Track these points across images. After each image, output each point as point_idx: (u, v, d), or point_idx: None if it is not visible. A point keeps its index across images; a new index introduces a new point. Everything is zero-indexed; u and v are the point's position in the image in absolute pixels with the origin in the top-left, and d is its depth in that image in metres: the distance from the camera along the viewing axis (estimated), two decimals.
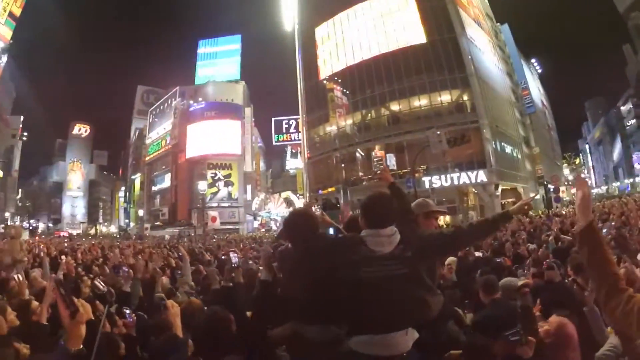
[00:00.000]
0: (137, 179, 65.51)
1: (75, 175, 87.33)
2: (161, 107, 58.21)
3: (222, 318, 2.02)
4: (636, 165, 56.71)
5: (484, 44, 38.05)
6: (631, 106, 57.20)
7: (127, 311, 2.60)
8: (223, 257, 6.98)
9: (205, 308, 2.65)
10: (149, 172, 59.70)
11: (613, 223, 7.30)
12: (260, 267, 2.46)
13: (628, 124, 59.57)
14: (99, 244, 15.97)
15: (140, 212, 61.64)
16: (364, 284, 1.66)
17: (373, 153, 33.40)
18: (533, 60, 55.68)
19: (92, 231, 70.72)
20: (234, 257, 2.90)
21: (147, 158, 60.00)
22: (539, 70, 57.62)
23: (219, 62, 54.65)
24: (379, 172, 2.58)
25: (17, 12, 43.33)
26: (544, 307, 2.41)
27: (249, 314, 2.12)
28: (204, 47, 56.24)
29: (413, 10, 34.64)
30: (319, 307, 1.76)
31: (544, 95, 59.72)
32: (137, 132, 69.15)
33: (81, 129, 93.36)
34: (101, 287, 3.10)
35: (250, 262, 5.60)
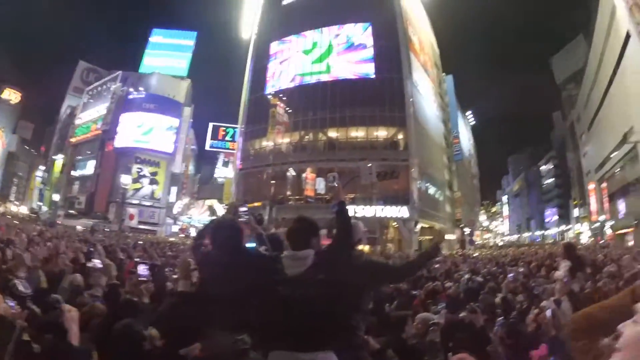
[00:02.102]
0: (59, 160, 59.53)
1: None
2: (99, 89, 54.01)
3: (136, 335, 1.91)
4: (548, 219, 63.50)
5: (427, 90, 40.59)
6: (551, 166, 64.36)
7: (12, 303, 2.12)
8: (137, 260, 6.38)
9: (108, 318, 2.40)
10: (73, 155, 54.80)
11: (521, 270, 7.60)
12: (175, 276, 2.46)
13: (545, 182, 66.86)
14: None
15: (56, 197, 55.96)
16: (276, 302, 1.74)
17: (304, 175, 33.41)
18: (468, 113, 60.84)
19: (1, 208, 62.43)
20: (143, 270, 2.74)
21: (73, 139, 55.04)
22: (472, 122, 63.15)
23: (169, 54, 52.27)
24: (333, 185, 2.48)
25: None
26: (457, 346, 2.45)
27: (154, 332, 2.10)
28: (157, 37, 53.58)
29: (369, 46, 36.05)
30: (234, 315, 1.86)
31: (472, 145, 65.22)
32: (68, 110, 63.26)
33: (11, 94, 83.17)
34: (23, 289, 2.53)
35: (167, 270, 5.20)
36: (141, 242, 14.81)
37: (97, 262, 3.80)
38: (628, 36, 26.49)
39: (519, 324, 3.37)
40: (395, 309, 3.55)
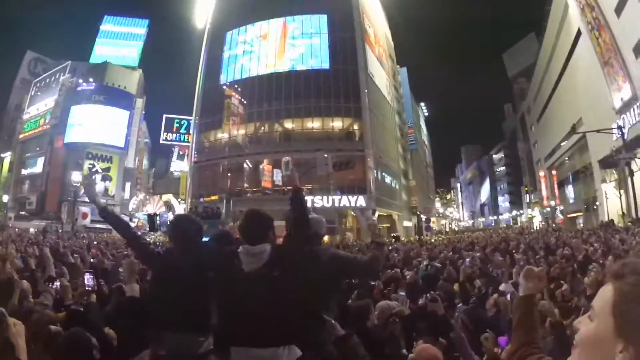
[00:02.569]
0: (7, 158, 55.79)
1: None
2: (47, 80, 50.92)
3: (83, 342, 1.82)
4: (500, 205, 67.15)
5: (382, 81, 41.49)
6: (503, 155, 67.92)
7: None
8: (92, 261, 6.22)
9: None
10: (21, 152, 51.55)
11: (478, 254, 7.85)
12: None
13: (497, 170, 70.54)
14: None
15: (5, 198, 52.68)
16: (233, 300, 1.76)
17: (261, 166, 33.46)
18: (422, 104, 62.97)
19: None
20: (89, 279, 2.60)
21: (21, 135, 51.72)
22: (426, 114, 65.45)
23: (120, 43, 49.86)
24: (288, 173, 2.51)
25: None
26: (419, 335, 2.47)
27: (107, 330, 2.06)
28: (108, 25, 50.91)
29: (324, 37, 36.26)
30: (190, 316, 1.82)
31: (426, 136, 67.61)
32: (14, 104, 59.25)
33: None
34: None
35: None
36: (96, 243, 14.32)
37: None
38: (579, 34, 28.19)
39: (479, 309, 3.41)
40: (355, 299, 3.48)
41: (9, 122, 60.36)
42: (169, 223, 2.38)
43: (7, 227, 33.82)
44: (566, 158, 37.06)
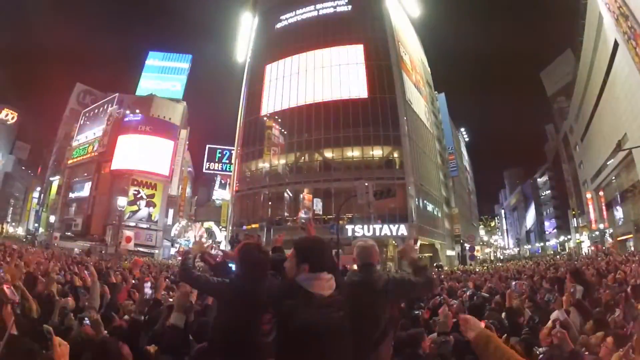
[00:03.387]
0: (56, 181, 59.43)
1: None
2: (95, 111, 54.28)
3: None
4: (547, 231, 63.43)
5: (420, 108, 41.09)
6: (547, 178, 64.74)
7: None
8: (134, 282, 6.11)
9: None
10: (70, 177, 54.48)
11: (525, 282, 7.37)
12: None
13: (543, 194, 67.07)
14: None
15: (52, 219, 55.65)
16: (300, 327, 1.63)
17: (301, 195, 33.45)
18: (462, 129, 61.58)
19: None
20: (148, 288, 2.69)
21: (70, 161, 54.94)
22: (467, 139, 63.84)
23: (164, 77, 52.84)
24: (304, 222, 2.40)
25: None
26: None
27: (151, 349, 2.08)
28: (153, 60, 54.27)
29: (361, 66, 36.64)
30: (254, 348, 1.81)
31: (467, 161, 65.72)
32: (64, 132, 63.48)
33: (8, 115, 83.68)
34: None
35: (164, 292, 4.94)
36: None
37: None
38: (616, 45, 26.92)
39: (532, 339, 3.23)
40: (399, 329, 3.51)
41: (59, 148, 64.66)
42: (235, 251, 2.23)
43: (52, 246, 35.21)
44: (613, 177, 34.74)
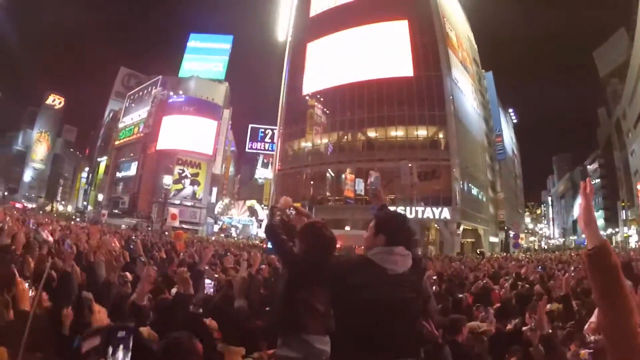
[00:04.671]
0: (103, 162, 62.85)
1: (41, 146, 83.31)
2: (140, 93, 56.32)
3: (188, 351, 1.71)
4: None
5: (467, 87, 39.30)
6: (597, 166, 60.72)
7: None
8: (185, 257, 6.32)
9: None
10: (116, 157, 57.38)
11: (573, 274, 7.14)
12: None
13: (592, 182, 62.76)
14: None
15: (100, 197, 59.09)
16: (369, 303, 1.56)
17: (343, 175, 33.32)
18: (510, 110, 58.33)
19: (48, 208, 66.96)
20: (210, 285, 2.65)
21: (116, 142, 57.72)
22: (515, 121, 60.46)
23: (206, 58, 53.67)
24: (374, 189, 2.52)
25: None
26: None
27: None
28: (194, 42, 55.20)
29: (406, 44, 35.36)
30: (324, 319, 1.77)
31: (515, 144, 62.47)
32: (111, 114, 66.63)
33: (55, 100, 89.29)
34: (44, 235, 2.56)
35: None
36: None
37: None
38: None
39: (578, 334, 2.99)
40: (439, 313, 3.34)
41: (105, 130, 68.16)
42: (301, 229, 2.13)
43: (101, 222, 37.32)
44: None
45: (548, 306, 3.98)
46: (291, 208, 2.64)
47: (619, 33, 54.21)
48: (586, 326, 2.95)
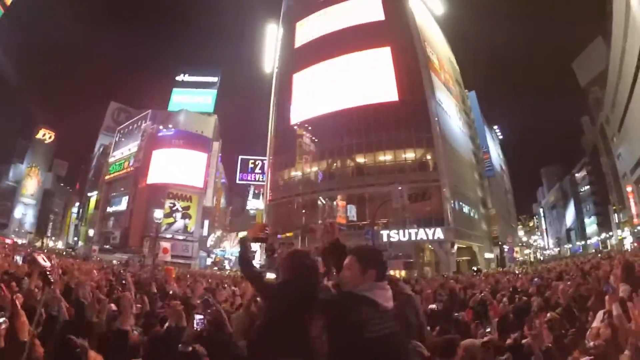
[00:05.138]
0: (94, 197, 62.34)
1: (31, 181, 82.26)
2: (130, 127, 56.62)
3: None
4: (588, 229, 60.30)
5: (451, 108, 40.21)
6: (585, 173, 61.62)
7: None
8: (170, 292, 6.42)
9: None
10: (107, 191, 56.97)
11: (569, 282, 7.05)
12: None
13: (582, 190, 63.82)
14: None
15: (91, 232, 58.29)
16: (368, 341, 1.54)
17: (335, 202, 33.35)
18: (495, 127, 59.79)
19: (39, 243, 65.50)
20: (199, 322, 2.59)
21: (107, 177, 57.48)
22: (500, 137, 61.80)
23: (195, 92, 54.56)
24: (329, 222, 2.39)
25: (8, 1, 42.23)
26: None
27: None
28: (183, 75, 56.21)
29: (389, 70, 36.29)
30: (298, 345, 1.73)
31: (503, 160, 63.56)
32: (101, 148, 66.61)
33: (45, 134, 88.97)
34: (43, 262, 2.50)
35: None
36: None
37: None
38: None
39: (580, 341, 3.03)
40: (438, 334, 3.28)
41: (96, 164, 67.83)
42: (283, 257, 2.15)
43: (91, 258, 36.52)
44: None
45: (548, 314, 4.02)
46: (265, 229, 2.66)
47: (596, 42, 56.39)
48: (588, 332, 2.96)
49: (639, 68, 30.37)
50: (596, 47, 56.27)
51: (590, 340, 2.69)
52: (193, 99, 53.41)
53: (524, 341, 3.12)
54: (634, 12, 27.76)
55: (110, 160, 58.10)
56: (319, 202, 34.29)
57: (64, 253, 51.07)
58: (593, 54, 57.96)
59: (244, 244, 2.29)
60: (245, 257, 2.27)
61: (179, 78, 55.93)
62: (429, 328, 3.61)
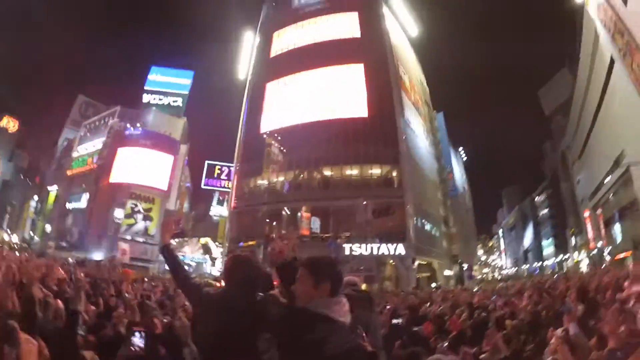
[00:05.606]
0: (54, 191, 59.39)
1: None
2: (97, 123, 54.66)
3: None
4: (545, 251, 63.16)
5: (419, 128, 41.44)
6: (545, 197, 64.61)
7: None
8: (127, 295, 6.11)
9: None
10: (68, 187, 54.57)
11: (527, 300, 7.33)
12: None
13: (541, 213, 66.92)
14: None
15: (48, 228, 55.55)
16: (329, 359, 1.44)
17: (299, 214, 33.41)
18: (460, 149, 62.05)
19: None
20: (139, 340, 2.44)
21: (69, 172, 55.13)
22: (464, 158, 64.24)
23: (166, 92, 53.42)
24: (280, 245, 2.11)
25: None
26: None
27: None
28: (155, 75, 54.94)
29: (361, 86, 37.03)
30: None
31: (466, 180, 65.90)
32: (65, 143, 63.73)
33: (9, 123, 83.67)
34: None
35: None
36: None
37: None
38: (612, 61, 26.92)
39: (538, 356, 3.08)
40: (398, 348, 3.29)
41: (58, 158, 64.76)
42: (226, 264, 2.03)
43: (46, 254, 34.78)
44: (611, 195, 34.67)
45: (508, 326, 4.18)
46: (179, 223, 2.52)
47: (561, 72, 59.76)
48: (546, 349, 2.98)
49: (602, 98, 31.49)
50: (562, 77, 59.57)
51: (549, 355, 2.78)
52: (164, 99, 52.26)
53: (481, 356, 3.17)
54: (601, 44, 29.07)
55: (74, 155, 55.80)
56: (284, 212, 34.26)
57: (17, 248, 48.27)
58: (558, 83, 61.23)
59: (166, 250, 2.04)
60: (172, 264, 2.02)
61: (151, 77, 54.60)
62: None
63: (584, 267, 41.76)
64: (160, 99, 52.17)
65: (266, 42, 43.59)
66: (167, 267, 2.09)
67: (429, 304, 8.27)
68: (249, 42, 45.59)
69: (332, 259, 1.79)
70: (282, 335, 1.60)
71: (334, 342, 1.47)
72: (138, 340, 2.60)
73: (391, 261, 33.33)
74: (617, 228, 34.45)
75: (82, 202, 49.74)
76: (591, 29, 30.83)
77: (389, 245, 32.05)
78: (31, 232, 66.05)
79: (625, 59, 24.56)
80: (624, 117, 27.26)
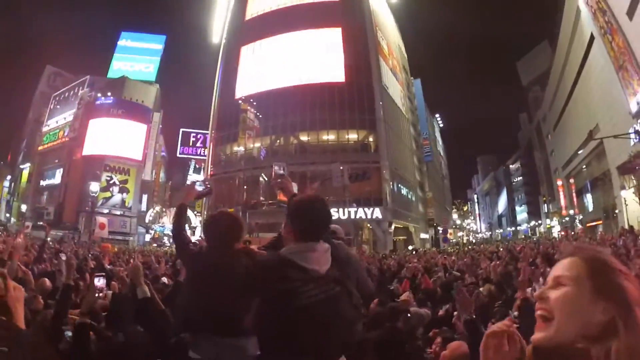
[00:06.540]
0: (26, 169, 57.26)
1: None
2: (66, 94, 52.22)
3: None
4: (518, 216, 65.87)
5: (396, 93, 41.45)
6: (519, 165, 66.80)
7: None
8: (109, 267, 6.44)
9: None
10: (40, 163, 52.72)
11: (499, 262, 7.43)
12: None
13: (515, 181, 69.33)
14: None
15: (24, 208, 53.98)
16: (299, 310, 1.32)
17: (272, 173, 33.42)
18: (437, 115, 62.62)
19: None
20: (100, 281, 2.63)
21: (40, 147, 53.01)
22: (441, 125, 64.99)
23: (137, 58, 50.99)
24: (279, 180, 2.06)
25: None
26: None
27: None
28: (125, 41, 52.21)
29: (339, 51, 36.44)
30: (234, 318, 1.58)
31: (442, 147, 67.06)
32: (35, 117, 60.87)
33: None
34: None
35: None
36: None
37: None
38: (592, 38, 27.61)
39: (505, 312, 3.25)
40: (376, 305, 3.42)
41: (28, 134, 62.07)
42: (205, 222, 2.09)
43: (25, 234, 34.11)
44: (584, 166, 36.21)
45: (481, 288, 4.36)
46: (206, 182, 2.55)
47: (542, 45, 60.11)
48: (514, 305, 3.14)
49: (579, 74, 32.27)
50: (542, 50, 59.99)
51: (515, 311, 2.94)
52: (135, 66, 49.89)
53: (455, 313, 3.31)
54: (582, 21, 29.31)
55: (44, 129, 53.51)
56: (261, 179, 34.28)
57: None
58: (538, 55, 61.73)
59: (183, 208, 2.14)
60: (178, 224, 2.11)
61: (121, 43, 51.77)
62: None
63: (555, 233, 43.90)
64: (131, 66, 49.83)
65: (241, 3, 41.93)
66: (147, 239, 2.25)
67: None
68: (223, 3, 43.74)
69: (314, 197, 1.54)
70: (255, 285, 1.49)
71: (305, 292, 1.34)
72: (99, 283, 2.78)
73: (368, 225, 34.18)
74: (588, 197, 36.18)
75: (57, 178, 48.42)
76: (573, 5, 31.02)
77: (366, 209, 32.74)
78: (7, 214, 64.23)
79: (605, 37, 25.03)
80: (599, 92, 28.05)
